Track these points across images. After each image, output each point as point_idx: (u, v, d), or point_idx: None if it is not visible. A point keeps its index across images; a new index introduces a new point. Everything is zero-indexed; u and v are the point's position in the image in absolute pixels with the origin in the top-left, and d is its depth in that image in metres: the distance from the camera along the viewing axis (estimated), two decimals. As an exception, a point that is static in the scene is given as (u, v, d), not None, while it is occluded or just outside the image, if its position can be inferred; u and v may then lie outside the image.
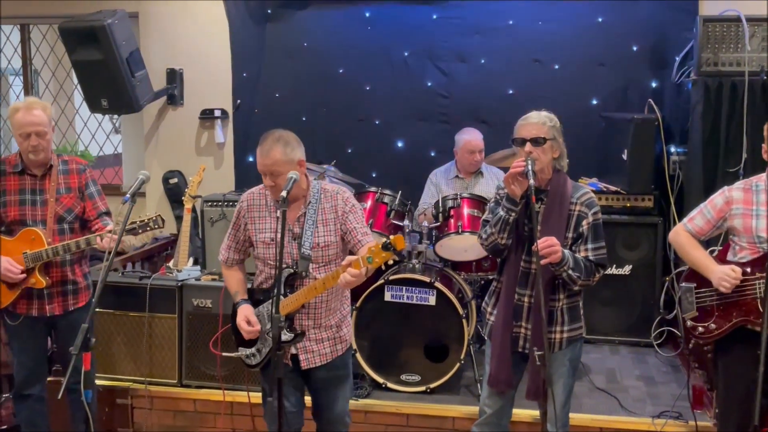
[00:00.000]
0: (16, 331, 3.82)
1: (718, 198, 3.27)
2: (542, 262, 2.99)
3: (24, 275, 3.68)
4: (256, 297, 3.31)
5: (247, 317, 3.22)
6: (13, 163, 3.77)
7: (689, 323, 3.33)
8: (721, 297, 3.20)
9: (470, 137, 5.10)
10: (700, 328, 3.29)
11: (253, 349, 3.31)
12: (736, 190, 3.23)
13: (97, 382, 4.35)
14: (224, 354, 3.75)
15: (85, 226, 3.85)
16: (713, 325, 3.24)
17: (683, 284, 3.37)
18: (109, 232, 3.61)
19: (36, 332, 3.85)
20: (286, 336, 3.15)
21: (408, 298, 4.39)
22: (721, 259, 3.28)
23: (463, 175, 5.20)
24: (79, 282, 3.87)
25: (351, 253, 3.26)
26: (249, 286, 3.40)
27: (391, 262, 2.93)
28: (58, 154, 3.87)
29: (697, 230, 3.31)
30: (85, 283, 3.91)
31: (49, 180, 3.76)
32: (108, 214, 3.89)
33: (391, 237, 2.83)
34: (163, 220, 3.64)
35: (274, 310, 2.98)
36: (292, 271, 3.16)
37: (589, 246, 3.14)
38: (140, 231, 3.58)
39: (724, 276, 3.12)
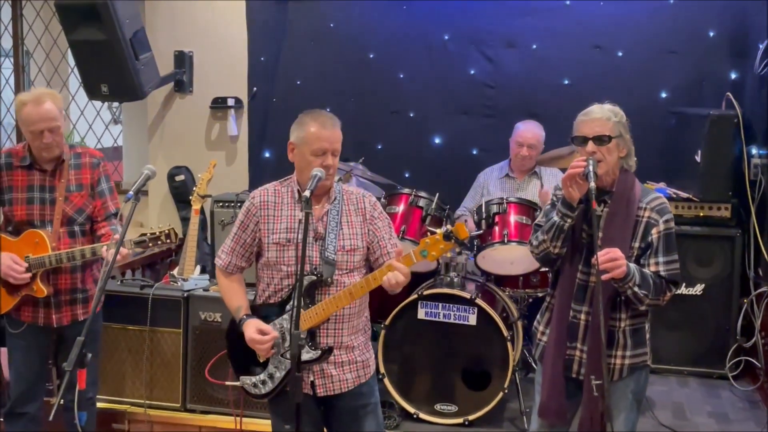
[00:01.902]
0: (18, 339, 3.88)
1: None
2: (604, 277, 2.95)
3: (29, 274, 3.74)
4: (259, 314, 3.20)
5: (258, 328, 3.11)
6: (21, 156, 3.83)
7: None
8: None
9: (524, 128, 5.12)
10: None
11: (263, 375, 3.20)
12: None
13: (91, 403, 4.42)
14: (227, 383, 3.73)
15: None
16: None
17: None
18: (107, 243, 3.62)
19: (39, 343, 3.92)
20: (309, 354, 3.08)
21: (445, 316, 4.40)
22: None
23: (515, 174, 5.20)
24: (90, 290, 3.93)
25: (371, 269, 3.23)
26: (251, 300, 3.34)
27: (449, 255, 2.95)
28: (70, 145, 3.92)
29: None
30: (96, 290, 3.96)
31: (60, 176, 3.81)
32: (117, 215, 3.92)
33: (450, 227, 2.87)
34: (176, 235, 3.69)
35: (293, 326, 2.90)
36: (314, 278, 3.10)
37: (660, 259, 3.11)
38: (150, 245, 3.63)
39: None
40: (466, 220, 4.98)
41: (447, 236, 2.88)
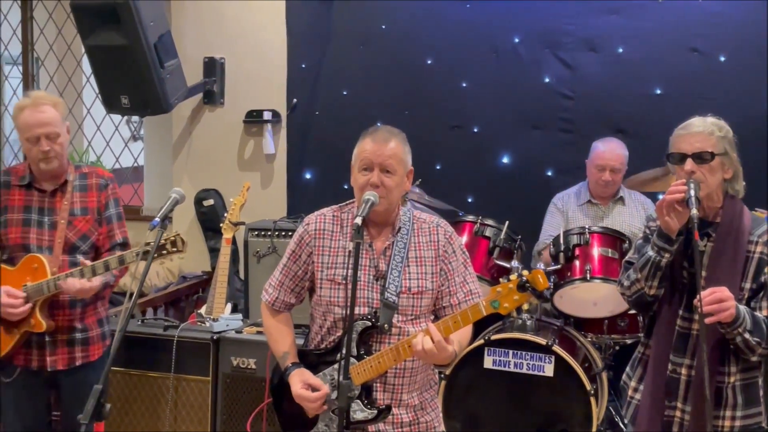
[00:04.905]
0: (10, 388, 3.92)
1: None
2: (708, 320, 2.92)
3: (29, 306, 3.78)
4: (307, 361, 3.22)
5: (306, 381, 3.11)
6: (21, 175, 3.92)
7: None
8: None
9: (604, 148, 5.09)
10: None
11: None
12: None
13: (107, 461, 4.46)
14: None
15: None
16: None
17: None
18: (80, 270, 3.66)
19: (34, 392, 3.96)
20: (364, 414, 3.06)
21: (516, 365, 4.37)
22: None
23: (597, 199, 5.17)
24: (90, 330, 3.97)
25: (436, 317, 3.21)
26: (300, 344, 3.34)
27: (526, 307, 2.91)
28: (76, 165, 4.00)
29: None
30: (99, 331, 4.01)
31: (62, 197, 3.89)
32: (124, 245, 3.97)
33: (526, 272, 2.81)
34: (183, 242, 3.69)
35: (341, 375, 2.90)
36: (369, 323, 3.08)
37: (774, 302, 3.06)
38: (155, 255, 3.59)
39: None
40: (540, 253, 4.95)
41: (522, 287, 2.81)
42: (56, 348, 3.88)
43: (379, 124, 3.28)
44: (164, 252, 3.65)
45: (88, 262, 3.70)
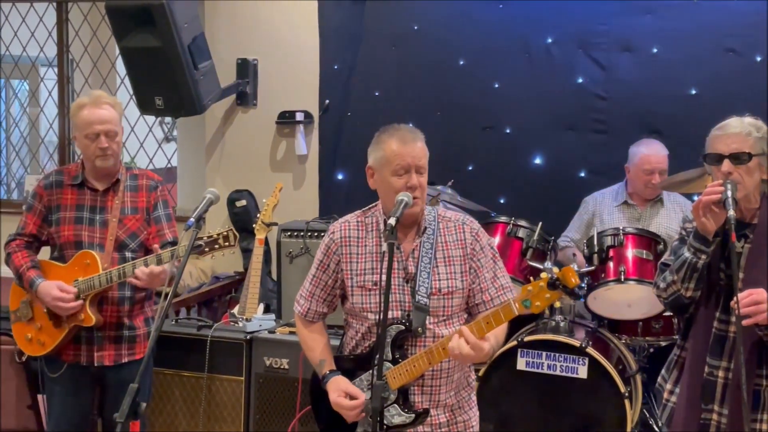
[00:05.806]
0: (57, 385, 4.01)
1: None
2: (745, 322, 2.91)
3: (79, 303, 3.87)
4: (343, 367, 3.22)
5: (344, 390, 3.11)
6: (73, 174, 4.04)
7: None
8: None
9: (649, 151, 5.07)
10: None
11: None
12: None
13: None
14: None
15: None
16: None
17: None
18: (133, 264, 3.75)
19: (80, 388, 4.03)
20: (402, 417, 3.07)
21: (549, 367, 4.36)
22: None
23: (636, 201, 5.15)
24: (138, 328, 4.06)
25: (470, 314, 3.21)
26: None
27: (558, 304, 2.89)
28: (127, 167, 4.12)
29: None
30: (146, 330, 4.09)
31: (114, 197, 4.00)
32: (174, 245, 4.01)
33: (557, 270, 2.78)
34: (235, 236, 3.74)
35: (375, 376, 2.88)
36: (402, 327, 3.07)
37: (813, 304, 3.03)
38: (207, 249, 3.68)
39: None
40: (574, 254, 4.93)
41: (552, 284, 2.78)
42: (104, 344, 3.97)
43: (394, 125, 3.28)
44: (216, 246, 3.71)
45: (158, 249, 3.80)
